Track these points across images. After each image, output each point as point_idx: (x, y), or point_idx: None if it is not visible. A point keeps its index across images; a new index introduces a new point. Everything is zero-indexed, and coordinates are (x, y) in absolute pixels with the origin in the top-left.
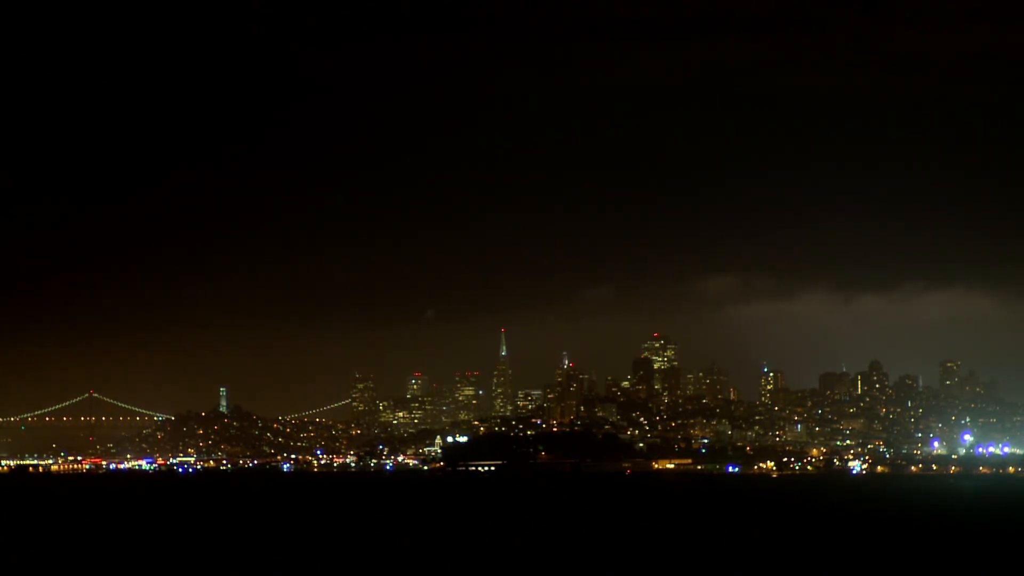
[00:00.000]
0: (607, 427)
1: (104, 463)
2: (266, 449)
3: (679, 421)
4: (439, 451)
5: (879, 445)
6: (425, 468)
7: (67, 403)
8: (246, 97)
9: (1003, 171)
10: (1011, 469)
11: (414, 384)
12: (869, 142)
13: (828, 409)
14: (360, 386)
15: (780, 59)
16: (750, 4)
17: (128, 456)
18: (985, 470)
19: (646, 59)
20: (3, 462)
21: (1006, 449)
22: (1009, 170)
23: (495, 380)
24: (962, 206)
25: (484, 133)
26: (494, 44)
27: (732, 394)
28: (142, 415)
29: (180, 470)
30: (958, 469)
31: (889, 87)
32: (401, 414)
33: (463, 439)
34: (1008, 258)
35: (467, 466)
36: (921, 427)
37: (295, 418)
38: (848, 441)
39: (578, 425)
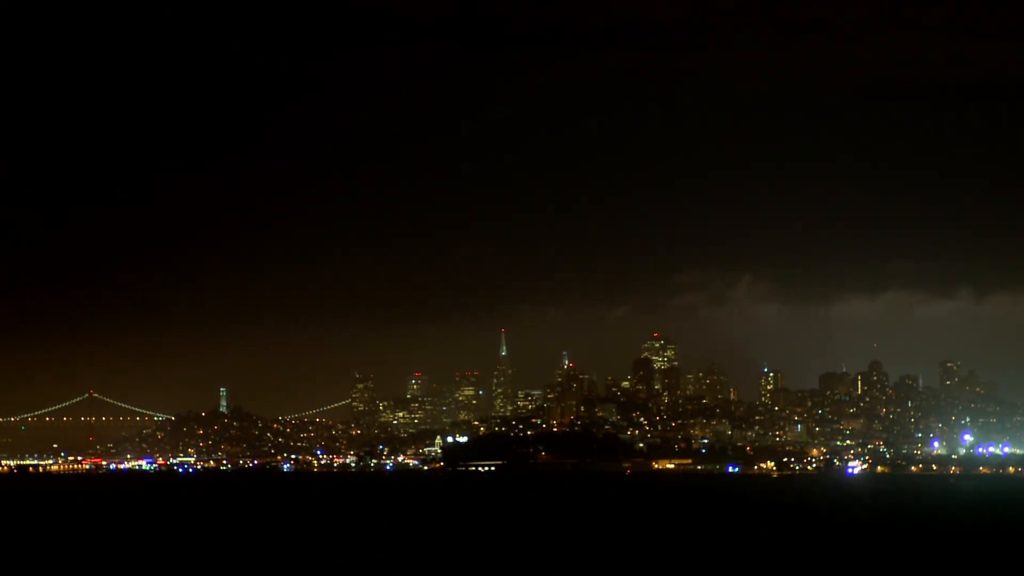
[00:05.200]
0: (607, 427)
1: (104, 463)
2: (266, 449)
3: (679, 421)
4: (439, 451)
5: (879, 445)
6: (425, 468)
7: (67, 403)
8: (243, 101)
9: (994, 171)
10: (1011, 469)
11: (414, 384)
12: (865, 142)
13: (828, 409)
14: (360, 386)
15: (699, 66)
16: (668, 12)
17: (128, 456)
18: (985, 470)
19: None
20: (3, 462)
21: (1006, 449)
22: (1002, 171)
23: (495, 380)
24: (960, 206)
25: (482, 134)
26: (466, 49)
27: (732, 394)
28: (142, 415)
29: (180, 470)
30: (958, 469)
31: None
32: (401, 414)
33: (463, 439)
34: (1008, 258)
35: (467, 466)
36: (921, 427)
37: (295, 418)
38: (848, 441)
39: (578, 425)
